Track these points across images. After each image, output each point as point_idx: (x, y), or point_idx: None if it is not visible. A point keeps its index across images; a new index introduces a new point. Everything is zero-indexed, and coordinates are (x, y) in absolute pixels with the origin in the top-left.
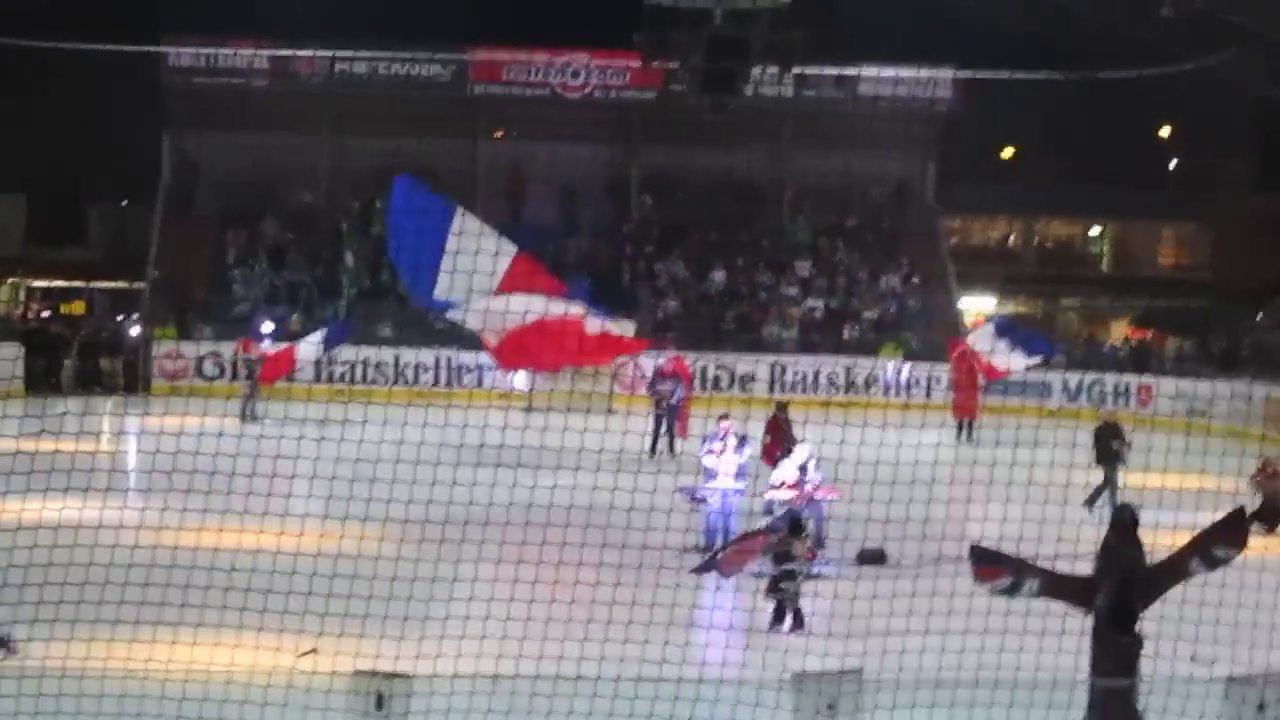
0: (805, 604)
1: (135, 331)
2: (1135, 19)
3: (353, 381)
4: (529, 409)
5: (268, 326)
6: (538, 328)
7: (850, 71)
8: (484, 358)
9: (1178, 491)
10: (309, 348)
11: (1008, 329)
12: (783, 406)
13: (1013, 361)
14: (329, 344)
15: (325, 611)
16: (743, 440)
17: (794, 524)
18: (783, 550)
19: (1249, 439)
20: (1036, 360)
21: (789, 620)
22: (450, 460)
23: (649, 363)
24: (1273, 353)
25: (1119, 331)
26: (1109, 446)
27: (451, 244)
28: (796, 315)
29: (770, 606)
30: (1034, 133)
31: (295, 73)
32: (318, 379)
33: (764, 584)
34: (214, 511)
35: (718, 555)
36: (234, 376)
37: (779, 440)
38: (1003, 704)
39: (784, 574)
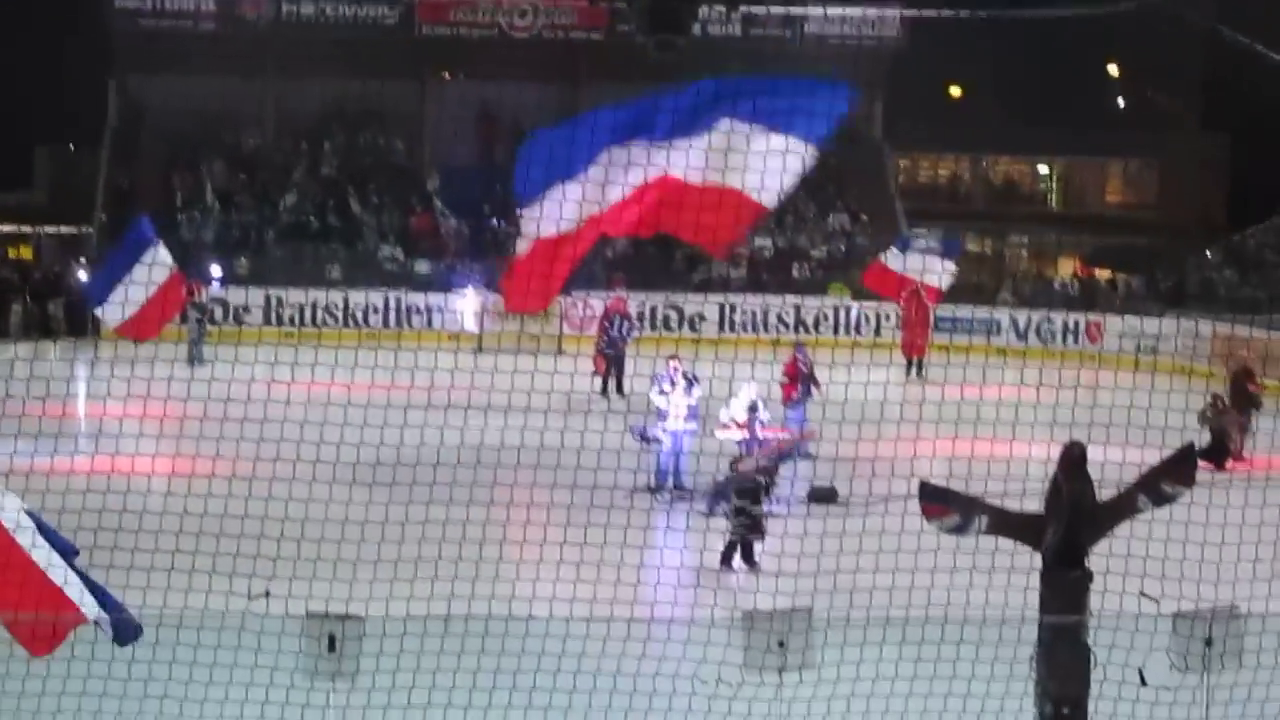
0: (755, 543)
1: (83, 275)
2: None
3: (302, 324)
4: (478, 350)
5: (215, 270)
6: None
7: (797, 10)
8: (434, 298)
9: (1125, 427)
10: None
11: (908, 243)
12: (801, 348)
13: (940, 269)
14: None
15: (277, 554)
16: (692, 381)
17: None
18: (754, 487)
19: (1197, 375)
20: (954, 258)
21: (737, 559)
22: (400, 402)
23: (598, 303)
24: (1220, 289)
25: (1067, 269)
26: (1244, 389)
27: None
28: (745, 254)
29: (722, 545)
30: (982, 70)
31: (241, 15)
32: (266, 322)
33: (719, 523)
34: (164, 455)
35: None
36: (182, 320)
37: (796, 382)
38: (952, 641)
39: (748, 512)
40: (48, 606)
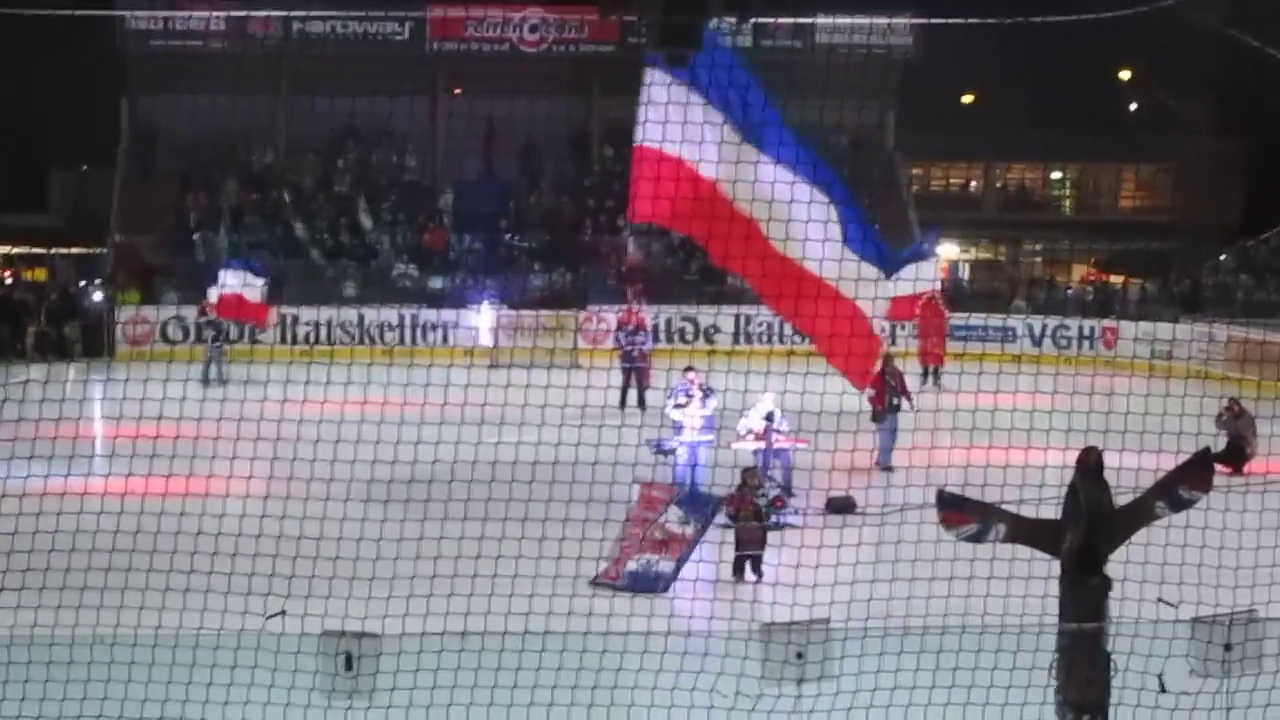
0: (773, 554)
1: (98, 297)
2: None
3: (316, 341)
4: (493, 365)
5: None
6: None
7: (809, 20)
8: (449, 314)
9: (1141, 434)
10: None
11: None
12: (889, 359)
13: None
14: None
15: (293, 573)
16: (708, 392)
17: (744, 475)
18: (742, 503)
19: (1213, 379)
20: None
21: (748, 570)
22: (415, 419)
23: (613, 317)
24: (1235, 294)
25: (1081, 275)
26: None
27: None
28: None
29: (731, 560)
30: (994, 78)
31: (252, 33)
32: (281, 340)
33: (731, 535)
34: (179, 475)
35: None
36: (198, 339)
37: (882, 395)
38: (971, 650)
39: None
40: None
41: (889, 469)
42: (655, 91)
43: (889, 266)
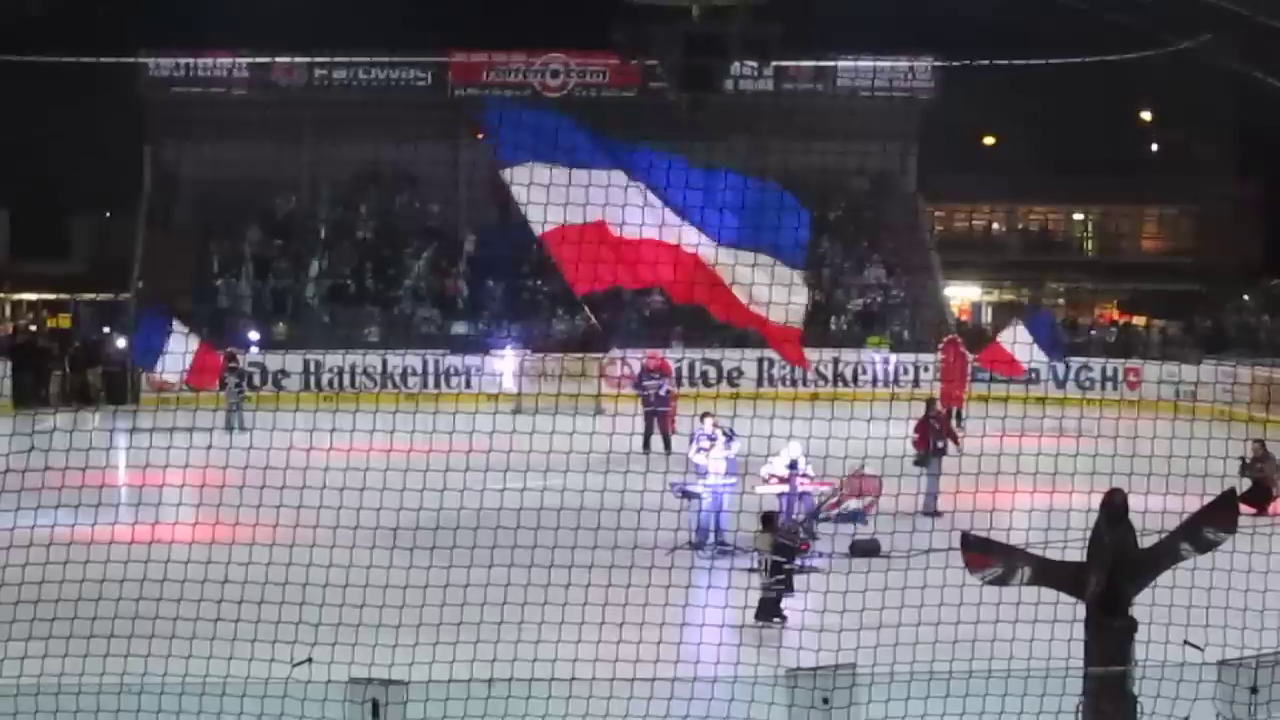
0: (798, 598)
1: (122, 343)
2: (1114, 3)
3: (340, 387)
4: (517, 411)
5: (253, 335)
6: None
7: (829, 63)
8: (472, 359)
9: (1165, 476)
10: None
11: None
12: (932, 404)
13: (1033, 353)
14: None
15: (319, 620)
16: (730, 435)
17: (765, 518)
18: (778, 545)
19: (1237, 420)
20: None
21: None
22: (439, 464)
23: (636, 362)
24: (1258, 334)
25: (1104, 316)
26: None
27: None
28: None
29: (757, 602)
30: (1015, 120)
31: (274, 80)
32: (305, 386)
33: (759, 580)
34: (204, 522)
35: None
36: (221, 386)
37: (926, 438)
38: (997, 694)
39: (781, 568)
40: None
41: (936, 514)
42: (517, 174)
43: (787, 256)
